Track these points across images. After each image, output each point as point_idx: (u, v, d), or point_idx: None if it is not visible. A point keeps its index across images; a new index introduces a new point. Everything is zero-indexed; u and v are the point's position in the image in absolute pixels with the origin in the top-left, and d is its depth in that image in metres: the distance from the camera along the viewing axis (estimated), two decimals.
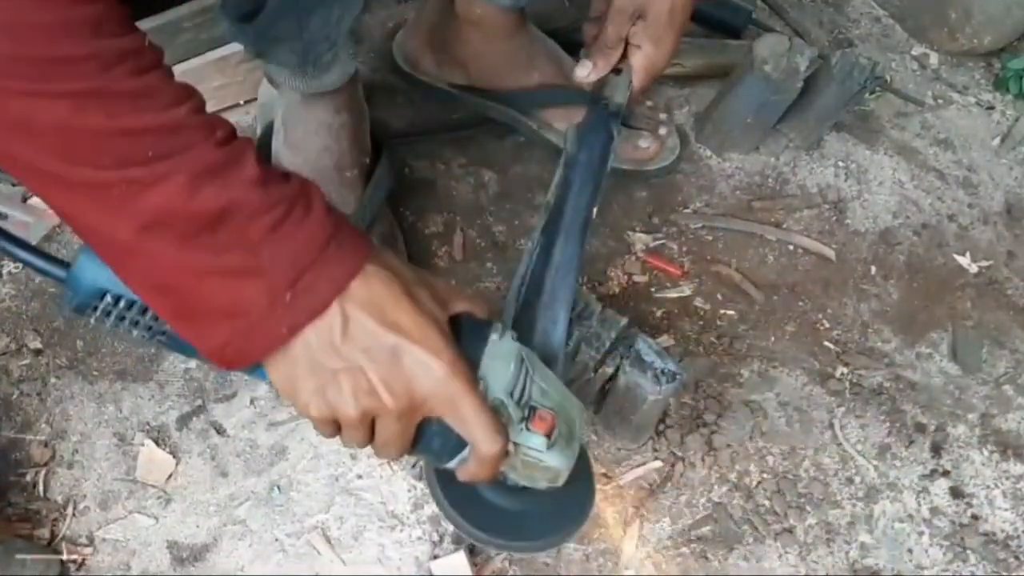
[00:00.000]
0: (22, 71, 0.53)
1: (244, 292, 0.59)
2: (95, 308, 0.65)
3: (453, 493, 0.77)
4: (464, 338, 0.67)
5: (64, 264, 0.66)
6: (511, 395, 0.67)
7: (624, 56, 1.03)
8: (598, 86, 1.05)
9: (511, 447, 0.68)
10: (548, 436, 0.68)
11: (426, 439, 0.67)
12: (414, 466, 1.07)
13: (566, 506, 0.79)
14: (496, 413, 0.66)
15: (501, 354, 0.68)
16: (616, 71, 1.03)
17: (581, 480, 0.76)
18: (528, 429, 0.68)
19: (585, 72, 1.04)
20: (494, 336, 0.69)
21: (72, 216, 0.59)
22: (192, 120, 0.58)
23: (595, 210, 0.98)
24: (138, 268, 0.60)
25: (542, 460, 0.69)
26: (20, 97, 0.53)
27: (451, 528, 1.04)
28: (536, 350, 0.84)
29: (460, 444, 0.67)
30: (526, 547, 0.81)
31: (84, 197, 0.57)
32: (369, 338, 0.62)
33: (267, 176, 0.60)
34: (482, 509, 0.77)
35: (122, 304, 0.65)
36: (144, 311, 0.65)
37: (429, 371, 0.63)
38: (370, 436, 0.67)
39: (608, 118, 1.03)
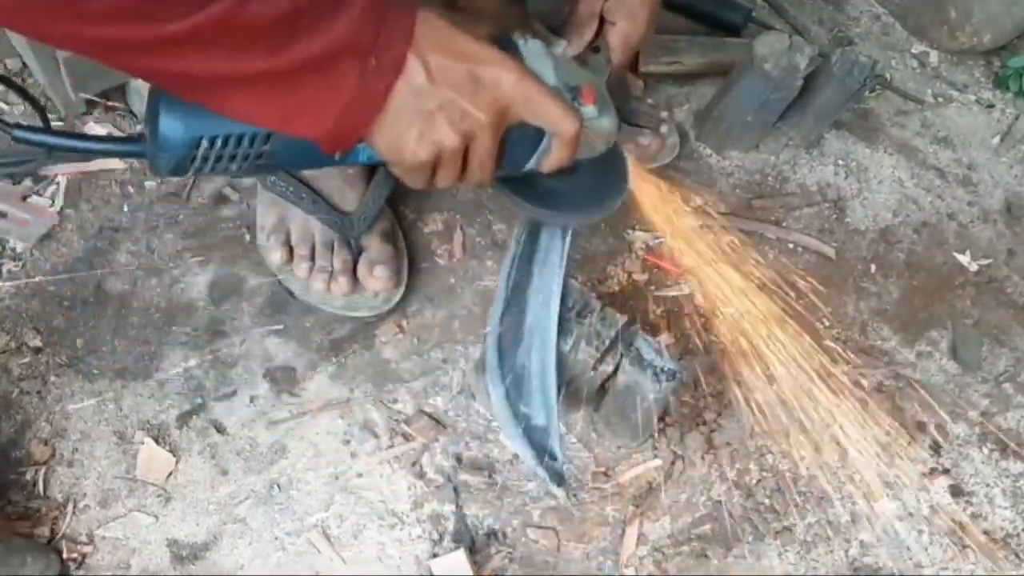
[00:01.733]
0: None
1: (337, 72, 0.65)
2: (193, 160, 0.68)
3: (525, 194, 0.84)
4: (503, 50, 0.74)
5: (135, 140, 0.69)
6: (559, 82, 0.77)
7: (600, 33, 1.03)
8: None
9: None
10: (595, 104, 0.79)
11: (510, 147, 0.76)
12: (414, 464, 1.07)
13: (610, 179, 0.88)
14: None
15: (536, 54, 0.77)
16: (595, 49, 1.03)
17: (614, 158, 0.87)
18: (580, 104, 0.78)
19: (559, 50, 1.04)
20: (521, 42, 0.78)
21: (163, 70, 0.62)
22: None
23: None
24: (239, 94, 0.65)
25: (600, 125, 0.79)
26: None
27: (451, 526, 1.04)
28: (530, 333, 0.90)
29: (537, 140, 0.76)
30: (596, 210, 0.89)
31: (177, 45, 0.60)
32: (449, 73, 0.69)
33: None
34: (553, 198, 0.84)
35: (218, 144, 0.68)
36: (240, 142, 0.69)
37: (504, 80, 0.71)
38: (463, 167, 0.75)
39: None
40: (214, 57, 0.62)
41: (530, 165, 0.79)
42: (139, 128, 0.69)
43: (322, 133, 0.68)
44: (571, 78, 0.79)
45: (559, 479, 1.03)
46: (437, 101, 0.69)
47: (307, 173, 1.12)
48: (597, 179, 0.86)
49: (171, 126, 0.67)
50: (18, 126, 0.74)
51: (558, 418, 1.00)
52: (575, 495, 1.07)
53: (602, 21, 1.02)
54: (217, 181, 1.24)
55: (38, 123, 0.76)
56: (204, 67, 0.62)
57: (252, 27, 0.61)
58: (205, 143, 0.69)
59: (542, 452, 1.02)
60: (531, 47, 0.78)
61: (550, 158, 0.78)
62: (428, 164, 0.73)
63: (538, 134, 0.76)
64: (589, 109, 0.78)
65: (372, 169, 1.16)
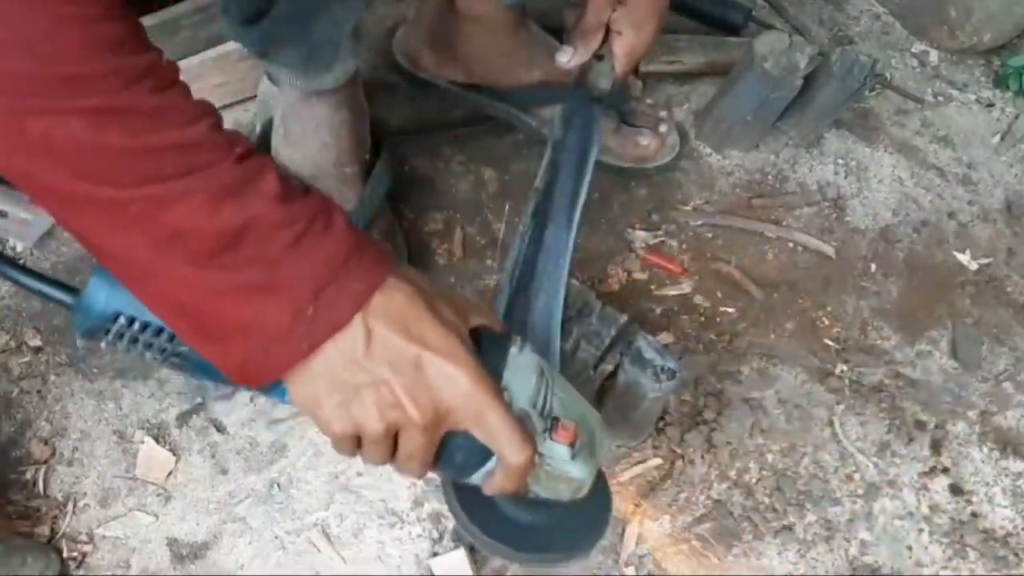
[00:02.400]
0: (44, 89, 0.53)
1: (264, 309, 0.58)
2: (107, 331, 0.64)
3: (471, 507, 0.76)
4: (485, 351, 0.66)
5: (70, 289, 0.65)
6: (534, 406, 0.67)
7: (606, 42, 1.03)
8: (582, 72, 1.05)
9: (536, 458, 0.67)
10: (572, 446, 0.68)
11: (449, 453, 0.66)
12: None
13: (584, 519, 0.78)
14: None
15: (522, 366, 0.67)
16: (599, 57, 1.04)
17: (597, 491, 0.75)
18: (552, 440, 0.67)
19: (566, 57, 1.04)
20: (513, 349, 0.68)
21: (89, 237, 0.59)
22: (212, 137, 0.58)
23: (584, 193, 0.98)
24: (156, 287, 0.60)
25: (567, 471, 0.69)
26: (41, 115, 0.53)
27: (451, 526, 1.04)
28: (532, 332, 0.84)
29: (484, 457, 0.66)
30: (546, 560, 0.79)
31: (102, 216, 0.56)
32: (393, 351, 0.61)
33: (287, 191, 0.59)
34: (501, 523, 0.75)
35: (136, 326, 0.64)
36: (158, 333, 0.64)
37: (455, 383, 0.62)
38: (392, 451, 0.65)
39: (592, 103, 1.04)
40: (138, 242, 0.57)
41: (474, 480, 0.68)
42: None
43: (229, 363, 0.61)
44: (557, 408, 0.69)
45: None
46: (369, 378, 0.61)
47: (306, 173, 1.12)
48: (565, 518, 0.75)
49: (96, 291, 0.63)
50: None
51: None
52: None
53: (608, 30, 1.02)
54: None
55: None
56: (127, 248, 0.57)
57: (187, 229, 0.56)
58: (122, 320, 0.64)
59: None
60: (522, 359, 0.68)
61: (492, 483, 0.67)
62: (347, 437, 0.64)
63: (486, 449, 0.65)
64: (559, 448, 0.68)
65: (371, 168, 1.16)
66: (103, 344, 0.65)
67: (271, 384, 0.63)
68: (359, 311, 0.60)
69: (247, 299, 0.58)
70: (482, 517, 0.75)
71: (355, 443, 0.65)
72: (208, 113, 0.59)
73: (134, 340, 0.65)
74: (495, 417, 0.63)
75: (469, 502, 0.75)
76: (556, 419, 0.68)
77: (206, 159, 0.57)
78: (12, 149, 0.55)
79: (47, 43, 0.52)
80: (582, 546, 0.80)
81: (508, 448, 0.64)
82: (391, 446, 0.65)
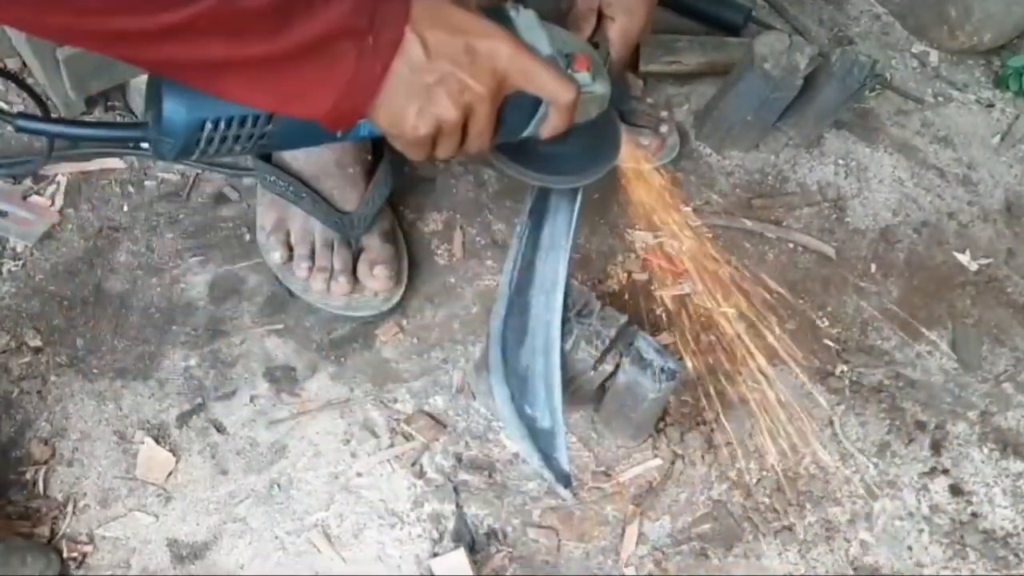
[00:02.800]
0: None
1: (335, 53, 0.66)
2: (198, 142, 0.69)
3: (521, 160, 0.86)
4: (496, 22, 0.75)
5: (140, 125, 0.69)
6: (553, 50, 0.78)
7: (599, 28, 1.03)
8: None
9: None
10: (589, 70, 0.80)
11: (508, 116, 0.77)
12: (414, 464, 1.07)
13: (603, 141, 0.90)
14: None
15: (529, 25, 0.78)
16: (594, 45, 1.04)
17: (607, 123, 0.87)
18: (574, 70, 0.79)
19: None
20: (513, 13, 0.79)
21: (159, 55, 0.63)
22: None
23: (582, 191, 0.98)
24: (236, 79, 0.65)
25: (593, 90, 0.80)
26: None
27: (451, 526, 1.04)
28: (532, 334, 0.89)
29: (534, 108, 0.77)
30: (592, 172, 0.89)
31: (173, 33, 0.61)
32: (446, 47, 0.70)
33: None
34: (550, 162, 0.86)
35: (222, 126, 0.69)
36: (243, 122, 0.70)
37: (501, 52, 0.72)
38: (462, 139, 0.76)
39: None
40: (211, 45, 0.62)
41: (527, 132, 0.80)
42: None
43: (322, 114, 0.69)
44: (565, 46, 0.81)
45: (566, 481, 1.03)
46: (436, 76, 0.71)
47: (307, 173, 1.12)
48: (591, 142, 0.88)
49: (174, 110, 0.68)
50: (20, 115, 0.75)
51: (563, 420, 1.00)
52: (575, 494, 1.07)
53: (600, 16, 1.02)
54: (217, 181, 1.24)
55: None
56: (201, 55, 0.63)
57: (247, 13, 0.62)
58: (209, 126, 0.69)
59: (548, 454, 1.02)
60: (523, 18, 0.79)
61: (547, 125, 0.79)
62: (429, 137, 0.75)
63: (535, 102, 0.77)
64: (583, 76, 0.80)
65: (372, 169, 1.16)
66: (194, 158, 0.71)
67: (355, 126, 0.72)
68: (407, 24, 0.68)
69: (317, 51, 0.65)
70: (531, 163, 0.86)
71: (431, 144, 0.76)
72: None
73: (224, 139, 0.71)
74: (539, 68, 0.74)
75: (516, 157, 0.86)
76: (570, 54, 0.80)
77: None
78: None
79: None
80: (606, 159, 0.90)
81: (556, 89, 0.76)
82: (462, 134, 0.76)
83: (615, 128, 0.91)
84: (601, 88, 0.82)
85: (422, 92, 0.71)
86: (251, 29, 0.63)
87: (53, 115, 0.76)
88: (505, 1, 0.80)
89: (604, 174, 0.90)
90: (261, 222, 1.17)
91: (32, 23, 0.61)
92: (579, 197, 0.95)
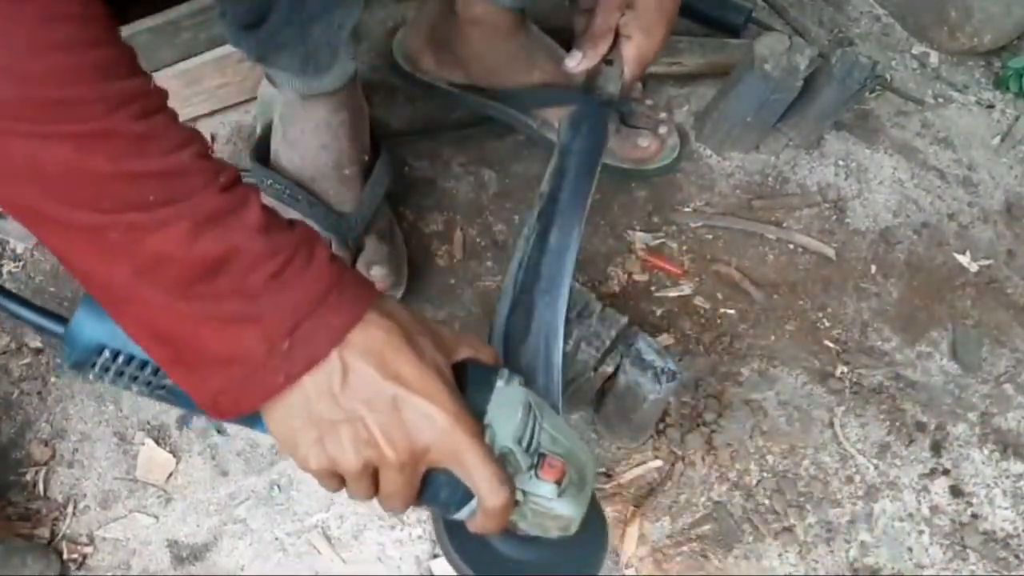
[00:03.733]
0: (28, 113, 0.52)
1: (241, 340, 0.58)
2: (93, 364, 0.64)
3: (462, 542, 0.75)
4: (469, 385, 0.65)
5: (62, 319, 0.64)
6: (519, 442, 0.65)
7: (615, 47, 1.03)
8: (591, 76, 1.05)
9: (520, 496, 0.66)
10: (558, 483, 0.66)
11: (432, 490, 0.66)
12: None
13: (578, 554, 0.77)
14: (503, 462, 0.64)
15: (508, 401, 0.66)
16: (608, 62, 1.04)
17: (593, 527, 0.74)
18: (537, 477, 0.66)
19: (574, 62, 1.04)
20: (500, 383, 0.67)
21: (71, 260, 0.58)
22: (196, 164, 0.57)
23: (590, 198, 0.98)
24: (135, 314, 0.59)
25: (552, 509, 0.67)
26: (24, 139, 0.53)
27: None
28: (536, 334, 0.83)
29: (468, 494, 0.65)
30: None
31: (83, 241, 0.56)
32: (369, 388, 0.60)
33: (270, 223, 0.59)
34: (493, 560, 0.74)
35: (120, 359, 0.63)
36: (143, 366, 0.64)
37: (431, 422, 0.61)
38: (375, 488, 0.65)
39: (600, 108, 1.04)
40: (118, 267, 0.56)
41: (460, 517, 0.67)
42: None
43: (203, 395, 0.61)
44: (545, 443, 0.67)
45: None
46: (344, 414, 0.60)
47: (304, 175, 1.12)
48: (558, 553, 0.74)
49: (82, 323, 0.63)
50: None
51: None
52: None
53: (617, 35, 1.02)
54: None
55: None
56: (107, 273, 0.57)
57: (167, 257, 0.56)
58: (107, 354, 0.63)
59: None
60: (508, 393, 0.67)
61: (475, 523, 0.67)
62: (327, 473, 0.63)
63: (468, 488, 0.64)
64: (545, 486, 0.66)
65: (370, 170, 1.16)
66: (91, 378, 0.65)
67: (253, 418, 0.63)
68: (336, 346, 0.59)
69: (224, 329, 0.58)
70: (472, 552, 0.74)
71: (338, 479, 0.65)
72: (194, 140, 0.58)
73: (119, 373, 0.64)
74: (472, 457, 0.62)
75: (460, 536, 0.74)
76: (543, 455, 0.66)
77: (189, 187, 0.56)
78: None
79: (33, 67, 0.52)
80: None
81: (485, 490, 0.63)
82: (373, 483, 0.65)
83: (595, 550, 0.78)
84: (565, 509, 0.67)
85: (323, 423, 0.61)
86: (162, 272, 0.56)
87: None
88: (500, 370, 0.68)
89: None
90: None
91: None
92: (587, 205, 0.95)
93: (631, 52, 1.02)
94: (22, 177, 0.54)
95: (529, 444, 0.66)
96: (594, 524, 0.74)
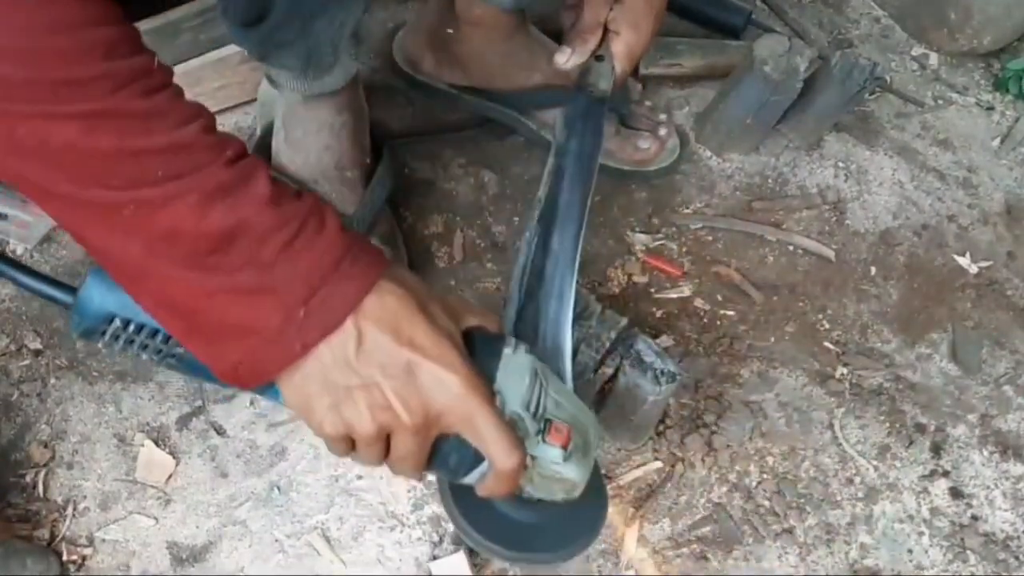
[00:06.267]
0: (35, 94, 0.53)
1: (257, 310, 0.59)
2: (103, 333, 0.65)
3: (467, 507, 0.76)
4: (478, 353, 0.66)
5: (70, 289, 0.65)
6: (527, 408, 0.67)
7: (604, 42, 1.03)
8: (582, 74, 1.05)
9: (528, 460, 0.68)
10: (565, 448, 0.68)
11: (442, 455, 0.67)
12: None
13: (579, 518, 0.79)
14: (513, 427, 0.66)
15: (516, 368, 0.68)
16: (598, 58, 1.04)
17: (594, 492, 0.76)
18: (545, 442, 0.68)
19: (564, 58, 1.04)
20: (507, 350, 0.68)
21: (84, 237, 0.59)
22: (202, 139, 0.58)
23: (590, 197, 0.98)
24: (150, 288, 0.60)
25: (559, 472, 0.69)
26: (32, 119, 0.54)
27: (451, 528, 1.04)
28: (544, 340, 0.84)
29: (477, 459, 0.66)
30: (541, 559, 0.80)
31: (95, 218, 0.57)
32: (384, 354, 0.61)
33: (279, 194, 0.60)
34: (496, 522, 0.76)
35: (131, 328, 0.64)
36: (153, 335, 0.65)
37: (445, 387, 0.62)
38: (385, 452, 0.66)
39: (593, 105, 1.04)
40: (132, 243, 0.57)
41: (468, 481, 0.69)
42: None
43: (222, 364, 0.62)
44: (551, 409, 0.69)
45: None
46: (360, 380, 0.61)
47: (306, 176, 1.12)
48: (560, 518, 0.75)
49: (90, 294, 0.64)
50: None
51: None
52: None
53: (606, 30, 1.02)
54: None
55: None
56: (121, 249, 0.58)
57: (178, 231, 0.56)
58: (117, 323, 0.64)
59: None
60: (517, 360, 0.68)
61: (484, 486, 0.68)
62: (341, 439, 0.65)
63: (479, 451, 0.66)
64: (552, 451, 0.68)
65: (371, 171, 1.16)
66: (100, 345, 0.66)
67: (266, 386, 0.64)
68: (351, 313, 0.60)
69: (239, 301, 0.59)
70: (476, 515, 0.76)
71: (348, 444, 0.66)
72: (199, 115, 0.59)
73: (129, 341, 0.65)
74: (484, 422, 0.64)
75: (465, 500, 0.75)
76: (549, 421, 0.68)
77: (196, 161, 0.57)
78: (5, 152, 0.55)
79: (39, 48, 0.52)
80: (575, 547, 0.80)
81: (497, 453, 0.65)
82: (384, 448, 0.66)
83: (597, 513, 0.80)
84: (572, 473, 0.70)
85: (339, 390, 0.62)
86: (177, 246, 0.57)
87: None
88: (508, 337, 0.69)
89: (562, 561, 0.79)
90: None
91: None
92: (588, 204, 0.95)
93: (620, 47, 1.02)
94: (31, 157, 0.55)
95: (537, 410, 0.68)
96: (594, 490, 0.76)
